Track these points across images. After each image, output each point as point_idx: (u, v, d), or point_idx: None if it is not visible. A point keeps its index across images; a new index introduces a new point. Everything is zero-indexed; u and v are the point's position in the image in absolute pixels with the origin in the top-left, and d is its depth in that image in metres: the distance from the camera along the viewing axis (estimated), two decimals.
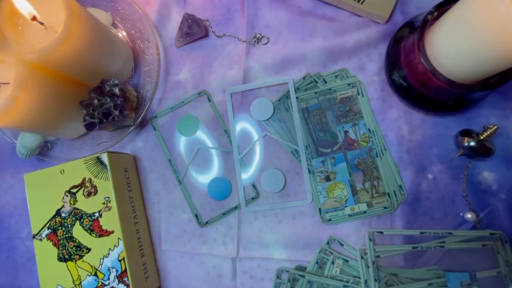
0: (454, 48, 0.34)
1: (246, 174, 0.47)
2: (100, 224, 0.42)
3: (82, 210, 0.42)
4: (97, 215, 0.42)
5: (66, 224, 0.43)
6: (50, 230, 0.43)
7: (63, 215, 0.43)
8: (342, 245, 0.44)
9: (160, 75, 0.49)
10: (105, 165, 0.42)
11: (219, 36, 0.50)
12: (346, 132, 0.46)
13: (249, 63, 0.48)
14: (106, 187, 0.42)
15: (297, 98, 0.47)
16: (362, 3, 0.45)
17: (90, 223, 0.42)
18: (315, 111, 0.47)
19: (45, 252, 0.43)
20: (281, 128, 0.47)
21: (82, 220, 0.42)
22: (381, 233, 0.43)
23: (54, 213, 0.43)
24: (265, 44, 0.49)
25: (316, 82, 0.47)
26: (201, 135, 0.49)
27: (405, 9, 0.47)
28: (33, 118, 0.40)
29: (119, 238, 0.41)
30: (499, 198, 0.43)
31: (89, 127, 0.44)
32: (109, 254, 0.41)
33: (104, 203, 0.42)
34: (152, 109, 0.50)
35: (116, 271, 0.41)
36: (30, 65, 0.37)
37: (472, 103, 0.42)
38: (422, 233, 0.43)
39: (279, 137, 0.47)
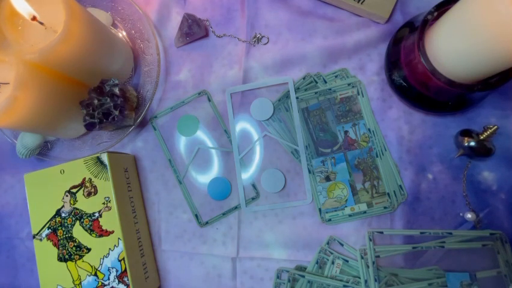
0: (454, 48, 0.34)
1: (246, 174, 0.47)
2: (100, 224, 0.42)
3: (82, 210, 0.42)
4: (97, 215, 0.42)
5: (66, 224, 0.43)
6: (50, 230, 0.43)
7: (63, 215, 0.43)
8: (342, 245, 0.44)
9: (160, 75, 0.49)
10: (105, 165, 0.42)
11: (219, 36, 0.50)
12: (346, 132, 0.46)
13: (249, 63, 0.48)
14: (106, 187, 0.42)
15: (297, 98, 0.47)
16: (362, 3, 0.45)
17: (90, 223, 0.42)
18: (315, 111, 0.47)
19: (45, 252, 0.43)
20: (281, 128, 0.47)
21: (82, 220, 0.42)
22: (381, 233, 0.43)
23: (54, 213, 0.43)
24: (265, 44, 0.49)
25: (316, 82, 0.47)
26: (201, 135, 0.49)
27: (405, 9, 0.47)
28: (33, 118, 0.40)
29: (119, 238, 0.41)
30: (499, 198, 0.43)
31: (89, 127, 0.44)
32: (109, 254, 0.41)
33: (104, 203, 0.42)
34: (152, 109, 0.50)
35: (116, 271, 0.41)
36: (30, 65, 0.37)
37: (472, 103, 0.42)
38: (422, 233, 0.43)
39: (279, 137, 0.47)
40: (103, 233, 0.42)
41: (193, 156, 0.48)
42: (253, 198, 0.47)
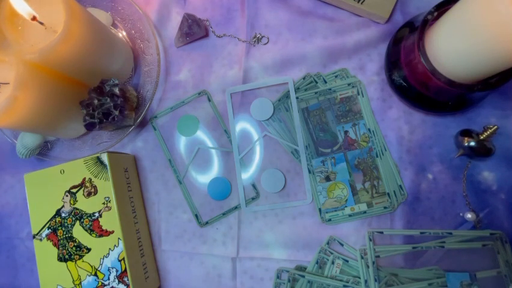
0: (454, 48, 0.34)
1: (246, 174, 0.47)
2: (100, 224, 0.42)
3: (82, 210, 0.42)
4: (97, 215, 0.42)
5: (66, 224, 0.43)
6: (50, 230, 0.43)
7: (63, 215, 0.43)
8: (342, 245, 0.44)
9: (160, 75, 0.49)
10: (105, 165, 0.42)
11: (219, 36, 0.50)
12: (346, 132, 0.46)
13: (249, 63, 0.48)
14: (106, 187, 0.42)
15: (297, 98, 0.47)
16: (362, 3, 0.45)
17: (90, 223, 0.42)
18: (315, 111, 0.47)
19: (45, 252, 0.43)
20: (281, 128, 0.47)
21: (82, 220, 0.42)
22: (381, 233, 0.43)
23: (54, 213, 0.43)
24: (265, 44, 0.49)
25: (316, 82, 0.47)
26: (201, 135, 0.49)
27: (405, 9, 0.47)
28: (33, 118, 0.40)
29: (119, 238, 0.41)
30: (499, 198, 0.43)
31: (89, 127, 0.44)
32: (109, 254, 0.41)
33: (104, 203, 0.42)
34: (152, 109, 0.50)
35: (116, 271, 0.41)
36: (30, 65, 0.37)
37: (472, 103, 0.42)
38: (422, 233, 0.43)
39: (279, 137, 0.47)
40: (103, 233, 0.42)
41: (193, 156, 0.48)
42: (253, 198, 0.47)
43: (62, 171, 0.43)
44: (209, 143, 0.49)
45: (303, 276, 0.43)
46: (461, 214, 0.43)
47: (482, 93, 0.41)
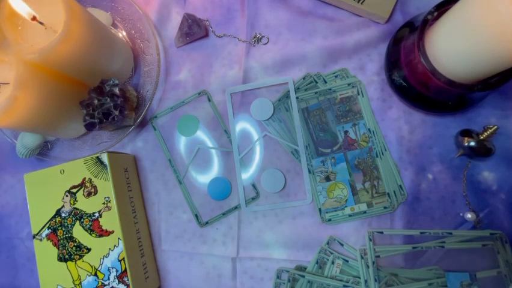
0: (454, 48, 0.34)
1: (246, 174, 0.47)
2: (100, 224, 0.42)
3: (82, 210, 0.42)
4: (97, 215, 0.42)
5: (66, 224, 0.43)
6: (50, 230, 0.43)
7: (63, 215, 0.43)
8: (342, 245, 0.44)
9: (160, 75, 0.49)
10: (105, 165, 0.42)
11: (219, 36, 0.50)
12: (346, 132, 0.46)
13: (249, 63, 0.48)
14: (106, 187, 0.42)
15: (297, 98, 0.47)
16: (362, 3, 0.45)
17: (90, 223, 0.42)
18: (315, 111, 0.47)
19: (45, 252, 0.43)
20: (281, 128, 0.47)
21: (82, 220, 0.42)
22: (381, 233, 0.43)
23: (54, 213, 0.43)
24: (265, 44, 0.49)
25: (316, 82, 0.47)
26: (201, 135, 0.49)
27: (405, 9, 0.47)
28: (33, 118, 0.40)
29: (119, 238, 0.41)
30: (499, 198, 0.43)
31: (89, 127, 0.44)
32: (109, 254, 0.41)
33: (104, 203, 0.42)
34: (152, 109, 0.50)
35: (116, 271, 0.41)
36: (30, 65, 0.37)
37: (472, 103, 0.42)
38: (422, 233, 0.43)
39: (279, 137, 0.47)
40: (103, 233, 0.42)
41: (193, 156, 0.48)
42: (253, 198, 0.47)
43: (62, 171, 0.43)
44: (209, 143, 0.49)
45: (303, 276, 0.43)
46: (461, 214, 0.43)
47: (482, 93, 0.41)
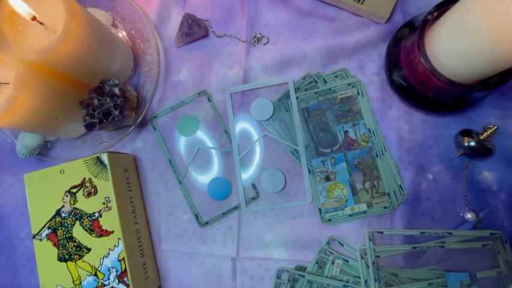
0: (454, 48, 0.34)
1: (246, 174, 0.47)
2: (100, 224, 0.42)
3: (82, 210, 0.42)
4: (97, 215, 0.42)
5: (66, 224, 0.43)
6: (50, 230, 0.43)
7: (63, 215, 0.43)
8: (342, 245, 0.44)
9: (160, 75, 0.49)
10: (105, 165, 0.42)
11: (219, 36, 0.50)
12: (346, 132, 0.46)
13: (249, 63, 0.48)
14: (106, 187, 0.42)
15: (297, 98, 0.47)
16: (362, 3, 0.45)
17: (90, 223, 0.42)
18: (315, 111, 0.47)
19: (45, 252, 0.43)
20: (281, 128, 0.47)
21: (82, 220, 0.42)
22: (381, 233, 0.43)
23: (54, 213, 0.43)
24: (265, 44, 0.49)
25: (316, 82, 0.47)
26: (201, 135, 0.49)
27: (405, 9, 0.47)
28: (33, 118, 0.40)
29: (119, 238, 0.41)
30: (499, 198, 0.43)
31: (89, 127, 0.44)
32: (109, 254, 0.41)
33: (104, 203, 0.42)
34: (152, 109, 0.50)
35: (116, 271, 0.41)
36: (30, 65, 0.37)
37: (472, 103, 0.42)
38: (422, 233, 0.43)
39: (279, 137, 0.47)
40: (103, 233, 0.42)
41: (193, 156, 0.48)
42: (253, 198, 0.47)
43: (62, 171, 0.43)
44: (209, 143, 0.49)
45: (303, 276, 0.43)
46: (461, 214, 0.43)
47: (482, 93, 0.41)
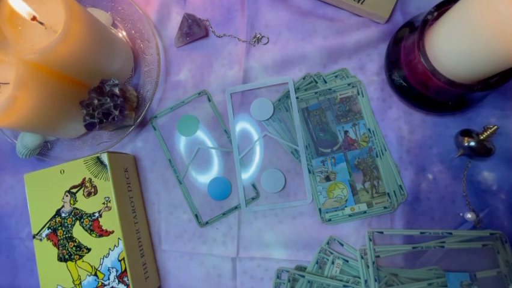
0: (454, 48, 0.34)
1: (246, 174, 0.47)
2: (100, 224, 0.42)
3: (82, 210, 0.42)
4: (97, 215, 0.42)
5: (66, 224, 0.43)
6: (50, 230, 0.43)
7: (63, 215, 0.43)
8: (342, 245, 0.44)
9: (160, 75, 0.49)
10: (105, 165, 0.42)
11: (219, 36, 0.50)
12: (346, 132, 0.46)
13: (249, 63, 0.48)
14: (106, 187, 0.42)
15: (297, 98, 0.47)
16: (362, 3, 0.45)
17: (90, 223, 0.42)
18: (315, 111, 0.47)
19: (45, 252, 0.43)
20: (281, 128, 0.47)
21: (82, 220, 0.42)
22: (381, 233, 0.43)
23: (54, 213, 0.43)
24: (265, 44, 0.49)
25: (316, 82, 0.47)
26: (201, 135, 0.49)
27: (405, 9, 0.47)
28: (33, 118, 0.40)
29: (119, 238, 0.41)
30: (499, 198, 0.43)
31: (89, 127, 0.44)
32: (109, 254, 0.41)
33: (104, 203, 0.42)
34: (152, 109, 0.50)
35: (116, 271, 0.41)
36: (30, 65, 0.37)
37: (472, 103, 0.42)
38: (422, 233, 0.43)
39: (279, 137, 0.47)
40: (103, 233, 0.42)
41: (193, 156, 0.48)
42: (253, 198, 0.47)
43: (62, 171, 0.43)
44: (209, 143, 0.49)
45: (303, 276, 0.43)
46: (461, 214, 0.43)
47: (482, 93, 0.41)
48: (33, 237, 0.43)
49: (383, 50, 0.46)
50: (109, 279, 0.41)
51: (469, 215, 0.42)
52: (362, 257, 0.42)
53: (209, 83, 0.49)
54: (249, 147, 0.47)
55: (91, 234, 0.42)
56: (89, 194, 0.43)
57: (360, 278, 0.42)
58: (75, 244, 0.42)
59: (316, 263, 0.44)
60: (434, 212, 0.44)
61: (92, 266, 0.42)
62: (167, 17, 0.51)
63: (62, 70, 0.41)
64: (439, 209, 0.44)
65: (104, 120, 0.43)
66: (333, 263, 0.43)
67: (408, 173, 0.44)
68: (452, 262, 0.42)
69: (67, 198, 0.43)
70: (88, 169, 0.43)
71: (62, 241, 0.43)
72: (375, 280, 0.41)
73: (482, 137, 0.41)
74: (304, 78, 0.47)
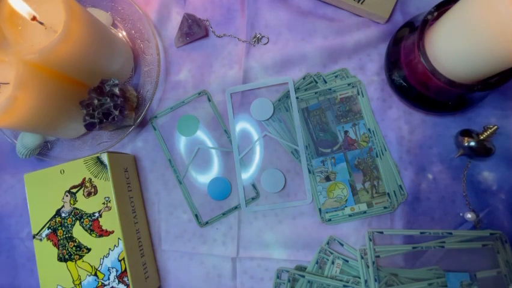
0: (454, 48, 0.34)
1: (246, 174, 0.47)
2: (100, 224, 0.42)
3: (82, 210, 0.42)
4: (97, 215, 0.42)
5: (66, 224, 0.43)
6: (50, 230, 0.43)
7: (63, 215, 0.43)
8: (342, 245, 0.44)
9: (160, 75, 0.49)
10: (105, 165, 0.42)
11: (219, 36, 0.50)
12: (346, 132, 0.46)
13: (249, 63, 0.48)
14: (106, 187, 0.42)
15: (297, 98, 0.47)
16: (362, 3, 0.45)
17: (90, 223, 0.42)
18: (315, 111, 0.47)
19: (45, 252, 0.43)
20: (281, 128, 0.47)
21: (82, 220, 0.42)
22: (381, 233, 0.43)
23: (54, 213, 0.43)
24: (265, 44, 0.49)
25: (316, 82, 0.47)
26: (201, 135, 0.49)
27: (405, 9, 0.47)
28: (33, 118, 0.40)
29: (119, 238, 0.41)
30: (499, 198, 0.43)
31: (89, 127, 0.44)
32: (109, 254, 0.41)
33: (104, 203, 0.42)
34: (152, 109, 0.50)
35: (116, 271, 0.41)
36: (30, 65, 0.37)
37: (472, 103, 0.42)
38: (422, 233, 0.43)
39: (279, 137, 0.47)
40: (103, 233, 0.42)
41: (193, 156, 0.48)
42: (253, 198, 0.47)
43: (62, 171, 0.43)
44: (209, 143, 0.49)
45: (303, 276, 0.43)
46: (461, 214, 0.43)
47: (482, 93, 0.41)
48: (33, 237, 0.43)
49: (383, 50, 0.46)
50: (109, 279, 0.41)
51: (469, 215, 0.42)
52: (362, 257, 0.42)
53: (209, 83, 0.49)
54: (249, 147, 0.47)
55: (91, 234, 0.42)
56: (89, 194, 0.43)
57: (360, 278, 0.42)
58: (75, 244, 0.42)
59: (316, 263, 0.44)
60: (434, 212, 0.44)
61: (92, 266, 0.42)
62: (167, 17, 0.51)
63: (62, 70, 0.41)
64: (439, 209, 0.44)
65: (104, 120, 0.43)
66: (333, 263, 0.43)
67: (408, 173, 0.44)
68: (452, 262, 0.42)
69: (67, 198, 0.43)
70: (88, 169, 0.43)
71: (62, 241, 0.43)
72: (375, 280, 0.41)
73: (482, 137, 0.41)
74: (304, 78, 0.47)
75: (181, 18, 0.49)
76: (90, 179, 0.43)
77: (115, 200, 0.42)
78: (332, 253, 0.44)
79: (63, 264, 0.42)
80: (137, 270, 0.43)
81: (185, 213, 0.48)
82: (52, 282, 0.42)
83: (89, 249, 0.42)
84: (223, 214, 0.47)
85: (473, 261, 0.42)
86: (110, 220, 0.42)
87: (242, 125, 0.48)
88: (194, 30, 0.48)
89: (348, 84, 0.46)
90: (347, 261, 0.43)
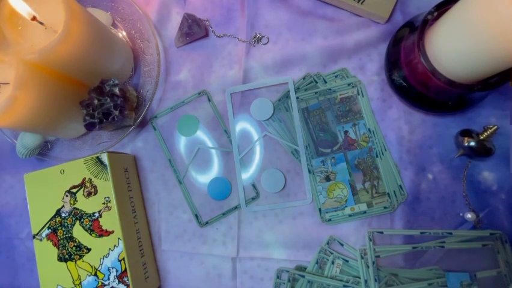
0: (454, 48, 0.34)
1: (246, 174, 0.47)
2: (100, 224, 0.42)
3: (82, 210, 0.42)
4: (97, 215, 0.42)
5: (66, 224, 0.43)
6: (50, 230, 0.43)
7: (63, 215, 0.43)
8: (342, 245, 0.44)
9: (160, 75, 0.49)
10: (105, 165, 0.42)
11: (219, 36, 0.50)
12: (346, 132, 0.46)
13: (249, 63, 0.48)
14: (106, 187, 0.42)
15: (297, 98, 0.47)
16: (362, 3, 0.45)
17: (90, 223, 0.42)
18: (315, 111, 0.47)
19: (45, 252, 0.43)
20: (281, 128, 0.47)
21: (82, 220, 0.42)
22: (381, 233, 0.43)
23: (54, 213, 0.43)
24: (265, 44, 0.49)
25: (316, 82, 0.47)
26: (201, 135, 0.49)
27: (405, 9, 0.47)
28: (33, 118, 0.40)
29: (119, 238, 0.41)
30: (499, 198, 0.43)
31: (89, 127, 0.44)
32: (109, 254, 0.41)
33: (104, 203, 0.42)
34: (152, 109, 0.50)
35: (116, 271, 0.41)
36: (30, 65, 0.37)
37: (472, 103, 0.42)
38: (422, 233, 0.43)
39: (279, 137, 0.47)
40: (103, 233, 0.42)
41: (193, 156, 0.48)
42: (253, 198, 0.47)
43: (62, 171, 0.43)
44: (209, 143, 0.49)
45: (303, 276, 0.43)
46: (461, 214, 0.43)
47: (482, 93, 0.41)
48: (33, 237, 0.43)
49: (383, 50, 0.46)
50: (109, 279, 0.41)
51: (469, 215, 0.42)
52: (362, 257, 0.42)
53: (209, 83, 0.49)
54: (249, 147, 0.47)
55: (91, 234, 0.42)
56: (89, 194, 0.43)
57: (360, 278, 0.42)
58: (75, 244, 0.42)
59: (316, 263, 0.44)
60: (434, 212, 0.44)
61: (92, 266, 0.42)
62: (167, 17, 0.51)
63: (62, 70, 0.41)
64: (439, 209, 0.44)
65: (104, 120, 0.43)
66: (333, 263, 0.43)
67: (408, 173, 0.44)
68: (452, 262, 0.42)
69: (67, 198, 0.43)
70: (88, 169, 0.43)
71: (62, 241, 0.43)
72: (375, 280, 0.41)
73: (482, 137, 0.41)
74: (304, 78, 0.47)
75: (181, 18, 0.49)
76: (90, 179, 0.43)
77: (115, 200, 0.42)
78: (332, 253, 0.44)
79: (63, 264, 0.42)
80: (137, 270, 0.43)
81: (185, 213, 0.48)
82: (52, 282, 0.42)
83: (89, 249, 0.42)
84: (223, 214, 0.47)
85: (473, 261, 0.42)
86: (110, 220, 0.42)
87: (242, 125, 0.48)
88: (194, 30, 0.48)
89: (348, 84, 0.46)
90: (347, 261, 0.43)
